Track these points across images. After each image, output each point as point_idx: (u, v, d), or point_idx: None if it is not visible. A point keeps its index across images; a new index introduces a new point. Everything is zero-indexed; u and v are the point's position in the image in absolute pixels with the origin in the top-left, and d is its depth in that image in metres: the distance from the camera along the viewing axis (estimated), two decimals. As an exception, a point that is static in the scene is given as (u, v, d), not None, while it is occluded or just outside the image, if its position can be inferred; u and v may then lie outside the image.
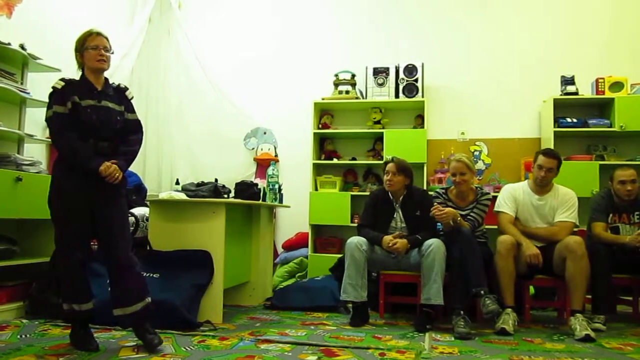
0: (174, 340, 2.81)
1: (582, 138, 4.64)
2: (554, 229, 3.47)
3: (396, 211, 3.64)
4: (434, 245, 3.35)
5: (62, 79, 2.63)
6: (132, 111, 2.83)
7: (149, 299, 2.71)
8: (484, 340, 3.00)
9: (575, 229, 3.55)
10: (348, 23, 5.29)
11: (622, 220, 3.61)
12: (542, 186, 3.55)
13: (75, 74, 2.73)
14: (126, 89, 2.84)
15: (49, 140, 3.98)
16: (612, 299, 3.51)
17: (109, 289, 2.75)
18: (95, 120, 2.60)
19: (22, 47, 3.65)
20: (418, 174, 4.72)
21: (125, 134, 2.75)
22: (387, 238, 3.49)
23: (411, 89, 4.79)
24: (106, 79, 2.75)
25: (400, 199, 3.63)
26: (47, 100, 2.61)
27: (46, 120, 2.61)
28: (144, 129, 2.90)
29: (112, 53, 2.75)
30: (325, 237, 4.95)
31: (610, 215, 3.62)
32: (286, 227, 5.15)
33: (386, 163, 3.66)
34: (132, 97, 2.85)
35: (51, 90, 2.60)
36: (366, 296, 3.44)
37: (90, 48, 2.64)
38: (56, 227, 2.62)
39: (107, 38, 2.72)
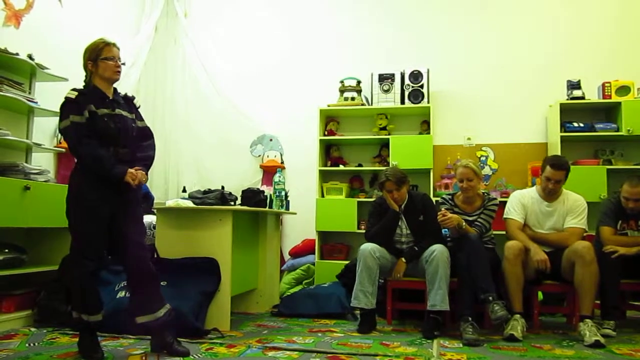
0: (181, 348, 2.81)
1: (589, 142, 4.61)
2: (564, 234, 3.45)
3: (400, 218, 3.62)
4: (437, 251, 3.34)
5: (74, 89, 2.61)
6: (141, 119, 2.87)
7: (169, 305, 2.73)
8: (493, 347, 2.98)
9: (584, 234, 3.52)
10: (353, 30, 5.30)
11: (630, 227, 3.58)
12: (550, 196, 3.54)
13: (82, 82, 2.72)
14: (133, 97, 2.87)
15: (57, 149, 4.03)
16: (621, 305, 3.47)
17: (128, 297, 2.75)
18: (114, 128, 2.62)
19: (30, 57, 3.68)
20: (424, 180, 4.74)
21: (138, 141, 2.79)
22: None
23: (417, 95, 4.79)
24: (115, 88, 2.77)
25: (402, 205, 3.61)
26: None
27: (62, 130, 2.59)
28: None
29: (124, 64, 2.78)
30: (331, 243, 4.93)
31: (620, 222, 3.58)
32: (293, 234, 5.15)
33: (382, 183, 3.56)
34: (139, 106, 2.88)
35: (64, 100, 2.58)
36: (375, 303, 3.43)
37: (109, 59, 2.65)
38: (73, 235, 2.61)
39: (119, 49, 2.75)
